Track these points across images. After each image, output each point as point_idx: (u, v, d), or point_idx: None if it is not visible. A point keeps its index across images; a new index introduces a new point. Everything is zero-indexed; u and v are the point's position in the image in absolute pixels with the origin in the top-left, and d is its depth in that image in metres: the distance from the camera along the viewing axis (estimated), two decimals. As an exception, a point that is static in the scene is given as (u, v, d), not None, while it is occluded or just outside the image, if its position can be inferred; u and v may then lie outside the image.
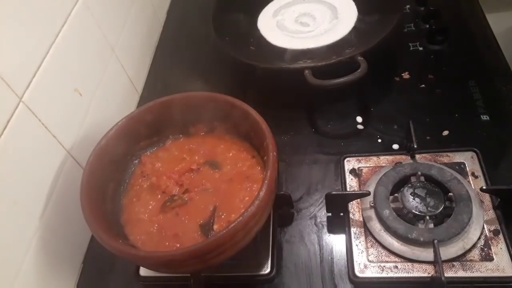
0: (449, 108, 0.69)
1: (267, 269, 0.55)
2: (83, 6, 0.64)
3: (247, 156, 0.59)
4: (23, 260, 0.51)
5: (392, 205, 0.56)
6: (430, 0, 0.85)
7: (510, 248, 0.52)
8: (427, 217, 0.53)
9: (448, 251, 0.52)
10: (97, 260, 0.62)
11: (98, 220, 0.50)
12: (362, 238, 0.56)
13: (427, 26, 0.80)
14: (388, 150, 0.65)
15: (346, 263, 0.55)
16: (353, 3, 0.83)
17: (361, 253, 0.55)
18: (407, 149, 0.63)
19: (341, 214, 0.59)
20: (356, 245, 0.56)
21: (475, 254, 0.53)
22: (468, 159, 0.61)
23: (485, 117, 0.67)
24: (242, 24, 0.85)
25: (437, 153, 0.63)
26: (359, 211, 0.59)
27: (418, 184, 0.56)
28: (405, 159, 0.63)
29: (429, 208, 0.54)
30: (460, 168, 0.60)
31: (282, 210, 0.61)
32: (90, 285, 0.61)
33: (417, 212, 0.54)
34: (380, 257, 0.54)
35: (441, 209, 0.54)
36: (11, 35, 0.49)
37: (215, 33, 0.78)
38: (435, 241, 0.51)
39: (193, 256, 0.45)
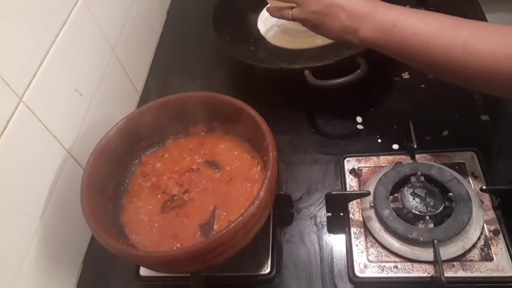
0: (449, 108, 0.69)
1: (267, 269, 0.55)
2: (83, 6, 0.64)
3: (247, 156, 0.59)
4: (23, 260, 0.51)
5: (392, 205, 0.56)
6: (430, 0, 0.85)
7: (510, 248, 0.52)
8: (427, 217, 0.53)
9: (448, 251, 0.52)
10: (97, 260, 0.62)
11: (98, 220, 0.50)
12: (362, 238, 0.56)
13: (427, 26, 0.80)
14: (388, 150, 0.65)
15: (346, 263, 0.55)
16: (353, 3, 0.83)
17: (361, 253, 0.55)
18: (407, 149, 0.63)
19: (341, 214, 0.59)
20: (356, 245, 0.56)
21: (475, 254, 0.53)
22: (468, 159, 0.61)
23: (484, 117, 0.67)
24: (242, 24, 0.85)
25: (437, 153, 0.63)
26: (359, 211, 0.59)
27: (418, 184, 0.57)
28: (405, 159, 0.63)
29: (429, 208, 0.54)
30: (460, 168, 0.60)
31: (282, 210, 0.61)
32: (90, 285, 0.61)
33: (417, 212, 0.54)
34: (380, 257, 0.54)
35: (441, 209, 0.54)
36: (12, 35, 0.49)
37: (215, 33, 0.78)
38: (435, 241, 0.51)
39: (193, 256, 0.45)
